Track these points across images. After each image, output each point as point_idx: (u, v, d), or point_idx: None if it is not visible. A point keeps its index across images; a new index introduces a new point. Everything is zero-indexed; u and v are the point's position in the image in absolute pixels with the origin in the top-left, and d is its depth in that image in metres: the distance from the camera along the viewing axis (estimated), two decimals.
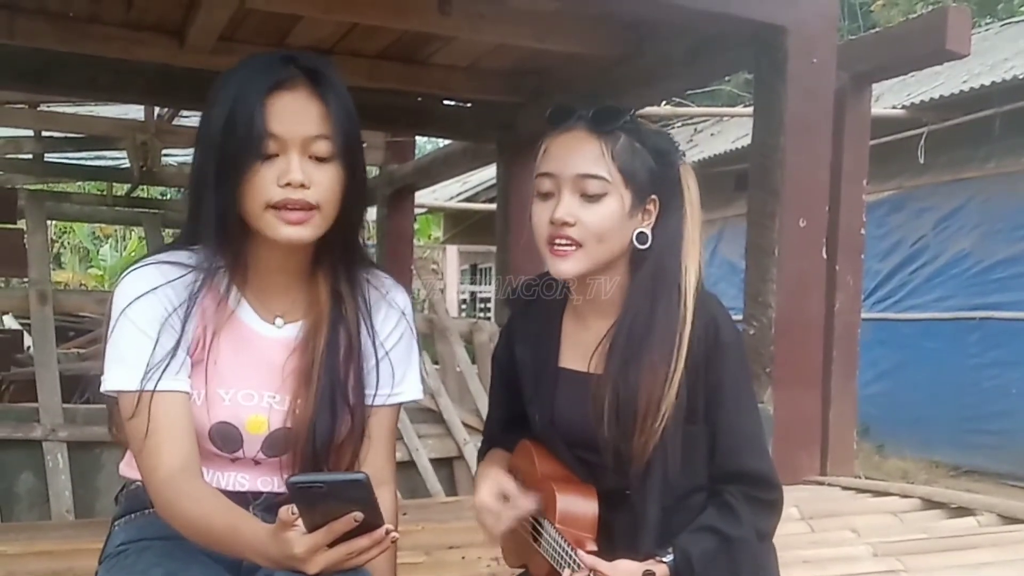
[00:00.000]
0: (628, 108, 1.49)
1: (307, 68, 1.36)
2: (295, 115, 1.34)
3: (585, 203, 1.44)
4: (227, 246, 1.38)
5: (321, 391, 1.41)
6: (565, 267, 1.46)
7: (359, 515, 1.14)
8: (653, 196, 1.48)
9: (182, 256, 1.40)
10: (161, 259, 1.40)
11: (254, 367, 1.42)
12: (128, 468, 1.48)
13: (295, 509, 1.14)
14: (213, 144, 1.34)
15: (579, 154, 1.45)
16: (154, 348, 1.34)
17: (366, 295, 1.49)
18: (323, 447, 1.42)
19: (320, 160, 1.35)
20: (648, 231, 1.48)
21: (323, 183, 1.35)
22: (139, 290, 1.36)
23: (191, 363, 1.38)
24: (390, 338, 1.50)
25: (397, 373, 1.51)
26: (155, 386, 1.33)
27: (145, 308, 1.35)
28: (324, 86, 1.36)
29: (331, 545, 1.16)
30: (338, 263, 1.46)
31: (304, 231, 1.35)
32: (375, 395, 1.49)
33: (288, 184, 1.32)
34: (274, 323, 1.45)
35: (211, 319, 1.40)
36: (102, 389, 1.37)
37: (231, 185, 1.33)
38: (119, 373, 1.35)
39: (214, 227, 1.36)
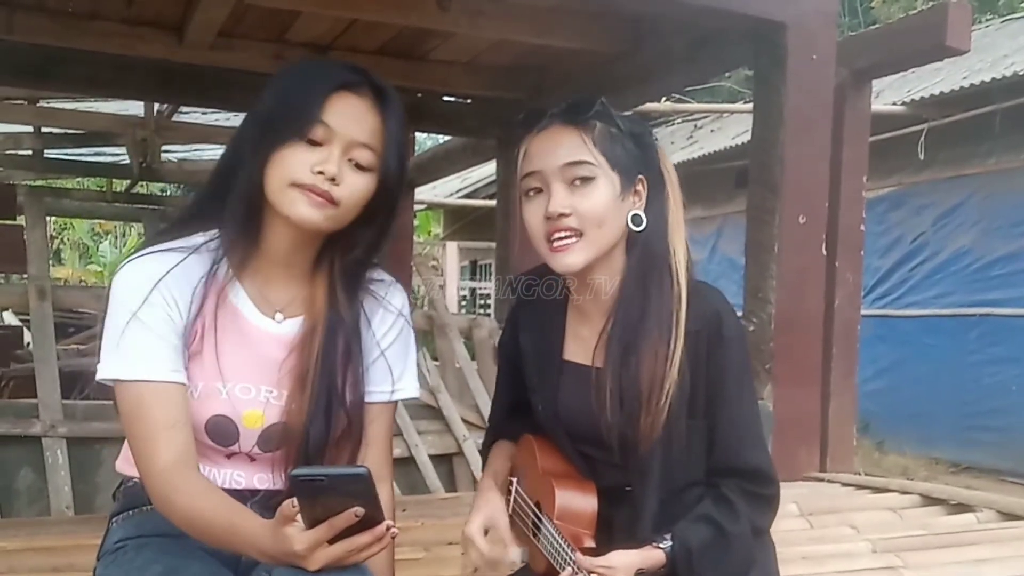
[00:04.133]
0: (598, 97, 1.49)
1: (376, 84, 1.40)
2: (352, 116, 1.36)
3: (577, 191, 1.44)
4: (243, 225, 1.38)
5: (317, 395, 1.41)
6: (569, 260, 1.45)
7: (360, 510, 1.14)
8: (640, 176, 1.49)
9: (182, 244, 1.40)
10: (161, 248, 1.40)
11: (251, 361, 1.42)
12: (125, 464, 1.48)
13: (295, 503, 1.14)
14: (263, 116, 1.37)
15: (561, 146, 1.45)
16: (152, 338, 1.34)
17: (361, 300, 1.49)
18: (317, 448, 1.41)
19: (359, 168, 1.37)
20: (642, 213, 1.48)
21: (352, 186, 1.36)
22: (138, 280, 1.36)
23: (188, 355, 1.38)
24: (386, 337, 1.50)
25: (395, 371, 1.51)
26: (152, 377, 1.33)
27: (143, 298, 1.34)
28: (388, 104, 1.40)
29: (331, 541, 1.16)
30: (340, 269, 1.46)
31: (318, 215, 1.35)
32: (372, 392, 1.49)
33: (321, 173, 1.33)
34: (273, 318, 1.44)
35: (210, 311, 1.39)
36: (97, 378, 1.36)
37: (265, 157, 1.34)
38: (115, 362, 1.34)
39: (239, 202, 1.37)
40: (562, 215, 1.43)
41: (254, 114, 1.40)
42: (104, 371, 1.35)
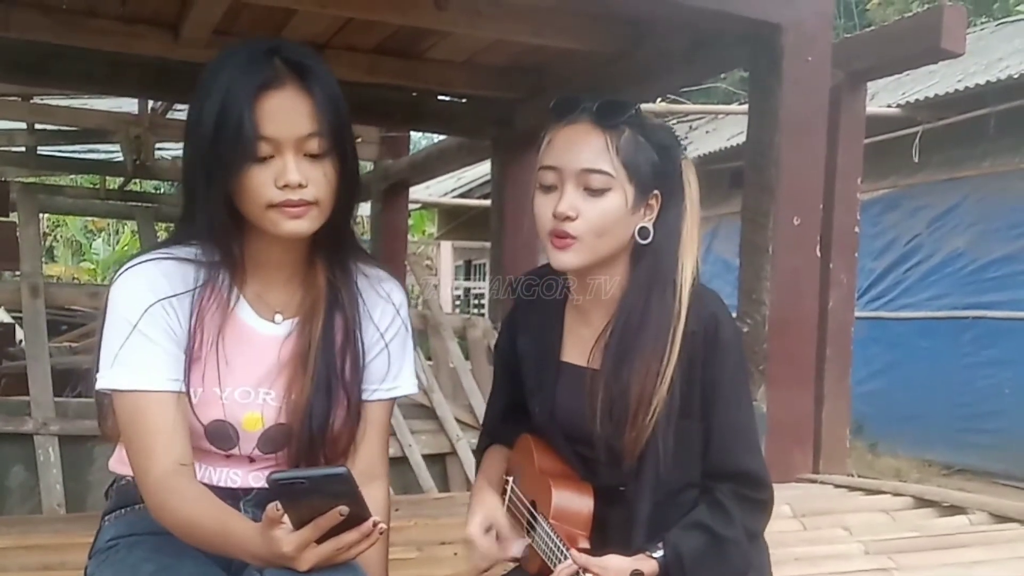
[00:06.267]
0: (633, 102, 1.48)
1: (292, 62, 1.34)
2: (286, 115, 1.32)
3: (588, 197, 1.43)
4: (224, 243, 1.37)
5: (317, 375, 1.41)
6: (565, 259, 1.45)
7: (344, 509, 1.14)
8: (656, 191, 1.48)
9: (181, 252, 1.39)
10: (160, 255, 1.39)
11: (252, 365, 1.42)
12: (118, 464, 1.48)
13: (279, 505, 1.14)
14: (204, 146, 1.32)
15: (583, 148, 1.44)
16: (150, 347, 1.33)
17: (358, 284, 1.49)
18: (319, 432, 1.41)
19: (314, 157, 1.34)
20: (650, 226, 1.48)
21: (319, 179, 1.34)
22: (136, 288, 1.35)
23: (188, 362, 1.37)
24: (389, 331, 1.51)
25: (393, 367, 1.51)
26: (151, 386, 1.33)
27: (142, 307, 1.34)
28: (311, 81, 1.34)
29: (320, 541, 1.16)
30: (332, 252, 1.46)
31: (304, 224, 1.35)
32: (372, 389, 1.49)
33: (286, 185, 1.32)
34: (273, 320, 1.44)
35: (209, 318, 1.39)
36: (96, 387, 1.36)
37: (225, 186, 1.32)
38: (114, 372, 1.34)
39: (209, 226, 1.36)
40: (567, 217, 1.42)
41: (195, 140, 1.34)
42: (103, 381, 1.35)
